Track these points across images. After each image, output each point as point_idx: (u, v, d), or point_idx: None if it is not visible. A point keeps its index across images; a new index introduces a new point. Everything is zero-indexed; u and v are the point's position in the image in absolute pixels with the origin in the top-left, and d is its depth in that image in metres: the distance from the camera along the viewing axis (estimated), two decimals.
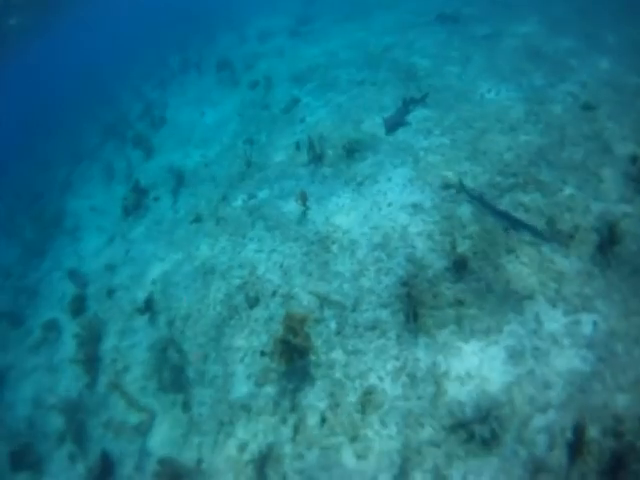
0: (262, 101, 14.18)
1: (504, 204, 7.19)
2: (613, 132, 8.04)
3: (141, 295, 9.26)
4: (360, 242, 7.53)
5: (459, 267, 6.49)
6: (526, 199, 7.18)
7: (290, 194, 9.32)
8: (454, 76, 11.21)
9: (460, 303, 6.16)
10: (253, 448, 6.01)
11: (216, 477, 5.99)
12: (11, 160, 23.86)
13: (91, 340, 8.63)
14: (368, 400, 5.75)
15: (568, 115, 8.62)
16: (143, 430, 7.13)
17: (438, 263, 6.71)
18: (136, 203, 12.40)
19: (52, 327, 10.12)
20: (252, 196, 9.99)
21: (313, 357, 6.36)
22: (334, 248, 7.62)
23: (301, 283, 7.35)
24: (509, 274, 6.26)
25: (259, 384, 6.54)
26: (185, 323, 7.98)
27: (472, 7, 15.06)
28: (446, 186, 7.80)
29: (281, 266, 7.81)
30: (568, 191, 7.10)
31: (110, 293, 9.91)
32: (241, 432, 6.25)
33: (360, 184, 8.66)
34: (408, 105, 9.86)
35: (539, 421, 4.87)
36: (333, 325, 6.61)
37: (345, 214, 8.14)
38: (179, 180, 12.35)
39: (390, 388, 5.75)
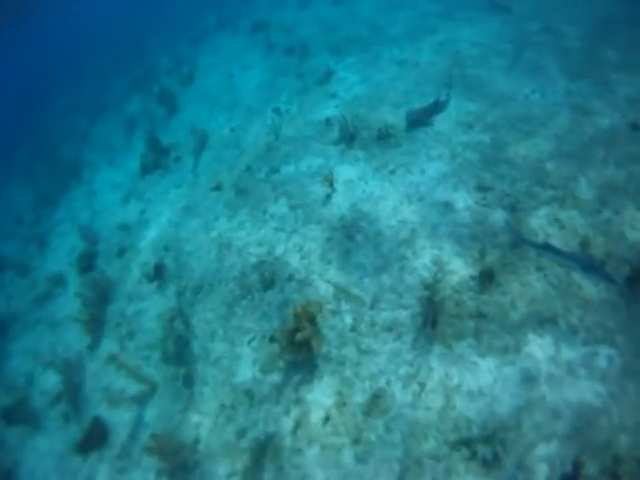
0: (296, 69, 13.74)
1: (540, 216, 6.85)
2: None
3: (152, 259, 9.18)
4: (386, 235, 7.26)
5: (485, 278, 6.27)
6: (562, 215, 6.88)
7: (317, 173, 9.04)
8: (501, 70, 10.67)
9: (482, 316, 5.99)
10: (252, 436, 5.98)
11: (211, 459, 6.00)
12: (35, 106, 23.80)
13: (96, 301, 8.56)
14: (376, 403, 5.66)
15: (614, 132, 8.12)
16: (142, 400, 7.09)
17: (464, 270, 6.47)
18: (155, 162, 12.23)
19: (58, 281, 10.12)
20: (277, 170, 9.72)
21: (324, 350, 6.17)
22: (358, 238, 7.37)
23: (320, 270, 7.16)
24: (536, 293, 6.04)
25: (265, 371, 6.44)
26: (195, 296, 7.87)
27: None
28: (481, 188, 7.42)
29: (301, 249, 7.60)
30: (606, 214, 6.76)
31: (120, 253, 9.83)
32: (241, 418, 6.20)
33: (392, 172, 8.34)
34: (437, 105, 9.36)
35: (542, 450, 4.78)
36: (349, 320, 6.43)
37: (373, 203, 7.86)
38: (202, 142, 12.13)
39: (400, 394, 5.65)
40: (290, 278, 7.27)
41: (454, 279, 6.40)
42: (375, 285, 6.68)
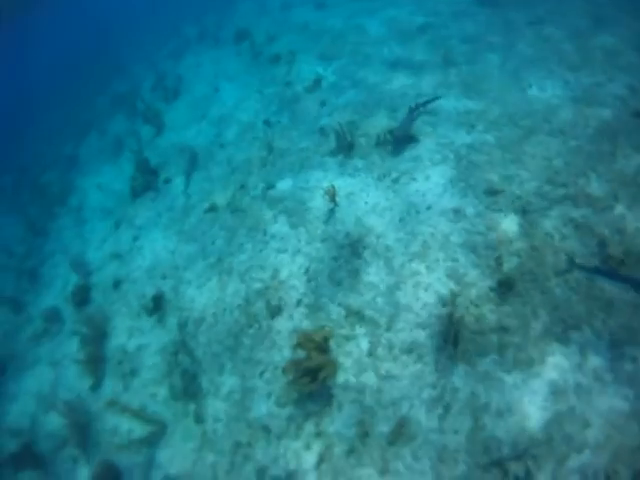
0: (284, 78, 13.58)
1: (553, 217, 6.71)
2: None
3: (149, 290, 8.99)
4: (395, 249, 7.09)
5: (505, 288, 6.13)
6: (576, 214, 6.77)
7: (316, 187, 8.88)
8: (495, 65, 10.56)
9: (504, 329, 5.87)
10: (273, 474, 5.81)
11: None
12: (19, 131, 23.53)
13: (95, 338, 8.38)
14: (401, 431, 5.53)
15: (618, 122, 8.00)
16: (152, 441, 6.90)
17: (482, 282, 6.32)
18: (145, 185, 12.03)
19: (54, 317, 9.93)
20: (273, 186, 9.54)
21: (341, 379, 6.00)
22: (366, 254, 7.20)
23: (329, 293, 6.98)
24: (557, 299, 5.93)
25: (281, 404, 6.28)
26: (198, 328, 7.69)
27: None
28: (491, 192, 7.26)
29: (307, 271, 7.42)
30: (619, 209, 6.65)
31: (116, 285, 9.64)
32: (260, 455, 6.06)
33: (395, 181, 8.17)
34: (413, 112, 9.13)
35: (574, 462, 4.71)
36: (365, 344, 6.27)
37: (379, 215, 7.68)
38: (192, 161, 11.95)
39: (425, 419, 5.52)
40: (299, 303, 7.09)
41: (472, 292, 6.26)
42: (390, 305, 6.51)
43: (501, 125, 8.65)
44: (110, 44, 27.44)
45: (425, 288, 6.52)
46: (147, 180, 12.06)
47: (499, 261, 6.33)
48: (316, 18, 17.11)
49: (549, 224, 6.74)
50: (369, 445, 5.56)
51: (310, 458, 5.75)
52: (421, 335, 6.14)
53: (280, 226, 8.50)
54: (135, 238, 10.72)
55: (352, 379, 6.08)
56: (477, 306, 6.13)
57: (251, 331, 7.17)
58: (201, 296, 8.17)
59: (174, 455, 6.70)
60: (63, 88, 26.23)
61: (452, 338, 5.86)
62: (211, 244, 9.07)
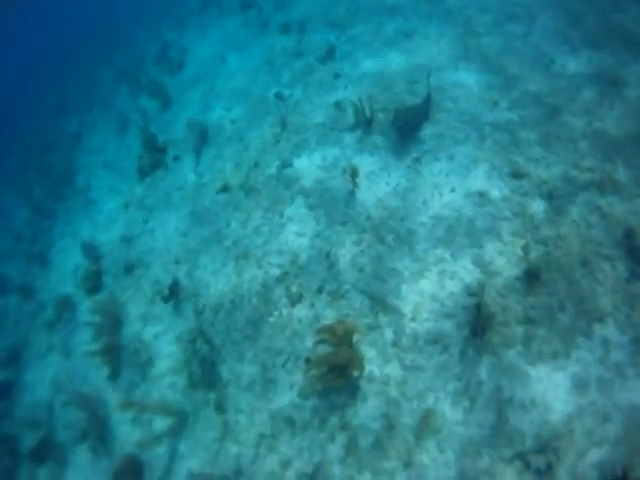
0: (295, 48, 13.20)
1: (579, 204, 6.65)
2: None
3: (163, 275, 8.99)
4: (419, 234, 6.98)
5: (531, 278, 6.11)
6: (602, 202, 6.68)
7: (334, 165, 8.72)
8: (518, 38, 10.18)
9: (530, 321, 5.86)
10: (298, 466, 5.87)
11: None
12: (22, 108, 23.36)
13: (109, 326, 8.40)
14: (425, 424, 5.59)
15: None
16: (174, 432, 6.96)
17: (508, 271, 6.27)
18: (153, 163, 11.93)
19: (66, 305, 10.02)
20: (289, 164, 9.37)
21: (366, 370, 5.98)
22: (389, 239, 7.10)
23: (352, 279, 6.91)
24: (583, 291, 5.91)
25: (304, 395, 6.31)
26: (216, 315, 7.69)
27: None
28: (516, 175, 7.06)
29: (327, 256, 7.34)
30: None
31: (128, 270, 9.65)
32: (284, 447, 6.14)
33: (417, 160, 7.98)
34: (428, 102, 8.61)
35: (594, 456, 4.81)
36: (389, 334, 6.24)
37: (401, 197, 7.55)
38: (201, 137, 11.77)
39: (450, 412, 5.57)
40: (320, 290, 7.04)
41: (498, 282, 6.21)
42: (414, 293, 6.45)
43: (524, 103, 8.34)
44: (113, 16, 27.03)
45: (451, 276, 6.44)
46: (155, 158, 11.94)
47: (526, 249, 6.21)
48: None
49: (575, 211, 6.65)
50: (394, 437, 5.62)
51: (335, 450, 5.78)
52: (447, 325, 6.10)
53: (297, 208, 8.38)
54: (145, 220, 10.67)
55: (376, 370, 6.09)
56: (503, 296, 6.08)
57: (271, 319, 7.15)
58: (217, 282, 8.15)
59: (196, 446, 6.79)
60: (65, 62, 25.97)
61: (480, 329, 5.79)
62: (225, 227, 8.99)
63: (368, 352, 6.23)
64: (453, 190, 7.37)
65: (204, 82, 14.41)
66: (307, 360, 6.47)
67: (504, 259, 6.39)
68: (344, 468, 5.64)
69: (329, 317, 6.73)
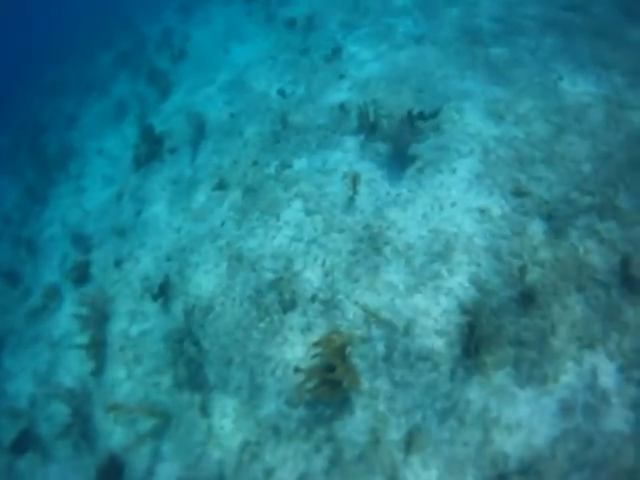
0: (300, 44, 13.21)
1: (578, 227, 6.75)
2: None
3: (153, 271, 9.04)
4: (417, 247, 7.06)
5: (527, 300, 6.22)
6: (601, 227, 6.76)
7: (335, 170, 8.77)
8: (527, 51, 10.21)
9: (522, 343, 5.98)
10: (282, 475, 5.96)
11: None
12: (19, 86, 23.15)
13: (96, 320, 8.41)
14: (412, 440, 5.70)
15: None
16: (156, 433, 7.02)
17: (504, 291, 6.37)
18: (149, 154, 11.96)
19: (53, 293, 10.03)
20: (288, 165, 9.42)
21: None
22: (387, 250, 7.17)
23: (346, 290, 6.99)
24: (576, 316, 6.02)
25: (291, 404, 6.35)
26: (205, 316, 7.76)
27: None
28: (518, 193, 7.14)
29: (323, 264, 7.40)
30: None
31: (118, 263, 9.70)
32: (269, 455, 6.19)
33: (420, 171, 8.05)
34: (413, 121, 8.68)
35: (575, 479, 4.95)
36: (381, 348, 6.35)
37: (401, 208, 7.61)
38: (199, 130, 11.78)
39: (436, 430, 5.68)
40: (313, 299, 7.11)
41: (494, 301, 6.28)
42: (408, 308, 6.53)
43: (531, 119, 8.41)
44: None
45: (446, 293, 6.53)
46: (151, 149, 11.96)
47: (523, 270, 6.29)
48: None
49: (574, 235, 6.75)
50: (379, 452, 5.73)
51: (320, 462, 5.88)
52: (438, 343, 6.19)
53: (295, 211, 8.43)
54: (138, 212, 10.69)
55: (366, 383, 6.15)
56: (498, 316, 6.15)
57: (262, 325, 7.21)
58: (209, 282, 8.19)
59: (178, 448, 6.85)
60: (65, 42, 25.79)
61: (473, 349, 5.88)
62: (220, 226, 9.03)
63: (359, 364, 6.32)
64: (454, 205, 7.44)
65: (206, 72, 14.39)
66: (296, 369, 6.53)
67: (500, 279, 6.49)
68: None
69: (321, 326, 6.81)
